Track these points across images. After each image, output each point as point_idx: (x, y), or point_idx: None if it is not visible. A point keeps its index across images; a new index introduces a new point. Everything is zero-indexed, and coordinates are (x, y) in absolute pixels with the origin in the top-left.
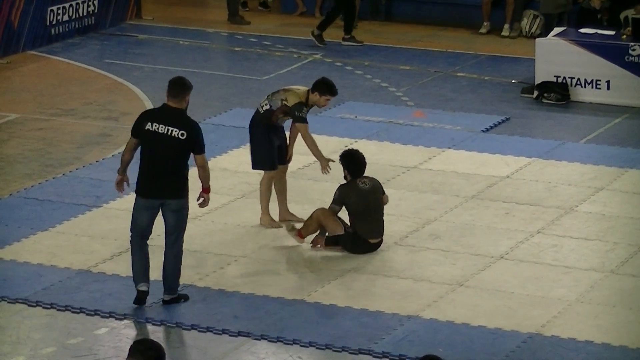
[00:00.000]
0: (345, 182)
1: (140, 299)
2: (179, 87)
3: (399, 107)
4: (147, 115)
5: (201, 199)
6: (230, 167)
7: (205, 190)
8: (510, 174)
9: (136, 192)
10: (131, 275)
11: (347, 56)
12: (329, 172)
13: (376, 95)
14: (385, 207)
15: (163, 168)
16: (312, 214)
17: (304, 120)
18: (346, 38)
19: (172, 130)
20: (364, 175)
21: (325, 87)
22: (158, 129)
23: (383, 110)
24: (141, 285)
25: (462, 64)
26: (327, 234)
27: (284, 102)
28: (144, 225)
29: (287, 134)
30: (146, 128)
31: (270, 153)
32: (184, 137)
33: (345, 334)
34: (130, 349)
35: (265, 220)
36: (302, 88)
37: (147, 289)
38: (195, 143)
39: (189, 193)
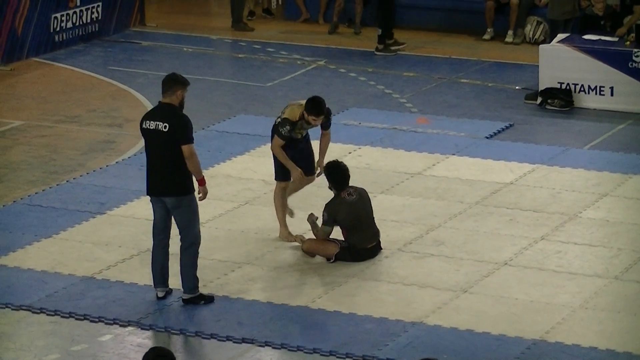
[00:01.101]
0: (330, 199)
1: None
2: (168, 82)
3: (403, 113)
4: (145, 115)
5: (200, 194)
6: (234, 173)
7: (199, 182)
8: (514, 180)
9: None
10: (135, 282)
11: (351, 63)
12: (316, 174)
13: (380, 102)
14: (389, 213)
15: (157, 164)
16: (302, 249)
17: (279, 134)
18: (380, 48)
19: (158, 125)
20: (349, 185)
21: (309, 106)
22: (149, 125)
23: (387, 116)
24: (158, 289)
25: (466, 71)
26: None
27: (281, 116)
28: (156, 222)
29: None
30: (143, 126)
31: (278, 166)
32: (167, 129)
33: (350, 341)
34: (144, 358)
35: (284, 234)
36: (303, 103)
37: (163, 294)
38: (177, 133)
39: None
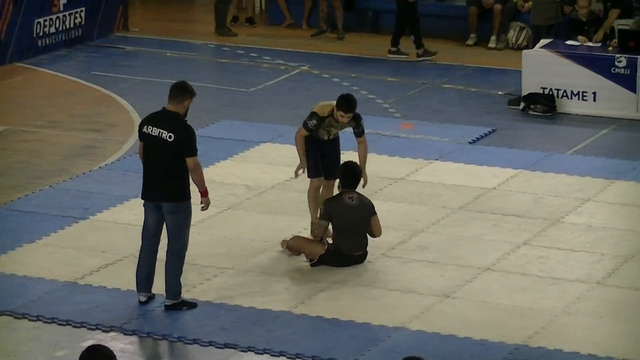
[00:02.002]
0: (332, 196)
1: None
2: (178, 90)
3: (387, 118)
4: (146, 119)
5: (202, 204)
6: (218, 178)
7: (202, 193)
8: (498, 186)
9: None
10: (118, 287)
11: (335, 68)
12: (298, 174)
13: (364, 107)
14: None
15: (157, 171)
16: (287, 244)
17: (305, 125)
18: (392, 50)
19: (162, 133)
20: (356, 191)
21: (339, 102)
22: (152, 131)
23: (370, 122)
24: (140, 294)
25: (450, 76)
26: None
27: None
28: (148, 227)
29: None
30: (143, 131)
31: (310, 162)
32: (172, 139)
33: (333, 346)
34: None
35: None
36: (334, 103)
37: (145, 300)
38: (183, 145)
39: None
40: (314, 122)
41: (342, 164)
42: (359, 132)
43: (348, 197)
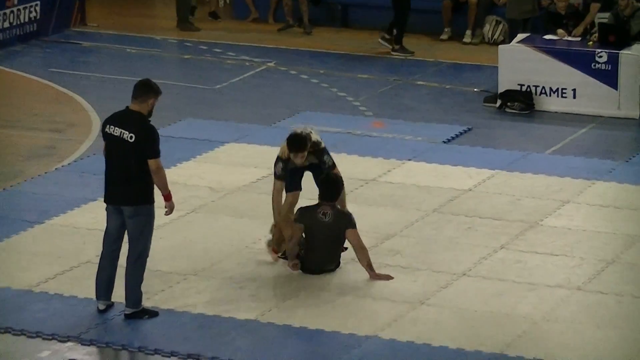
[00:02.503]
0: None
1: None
2: (142, 88)
3: (357, 117)
4: (109, 118)
5: (166, 208)
6: (180, 180)
7: (166, 197)
8: (473, 187)
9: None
10: (75, 295)
11: (302, 64)
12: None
13: (333, 105)
14: None
15: (118, 172)
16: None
17: (275, 175)
18: (396, 49)
19: (123, 133)
20: (334, 205)
21: (287, 142)
22: (113, 131)
23: (340, 120)
24: (99, 302)
25: (423, 72)
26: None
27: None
28: (109, 231)
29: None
30: (106, 130)
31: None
32: (133, 140)
33: (301, 355)
34: None
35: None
36: None
37: (104, 308)
38: (145, 147)
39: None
40: (280, 166)
41: (324, 175)
42: (327, 169)
43: (322, 212)
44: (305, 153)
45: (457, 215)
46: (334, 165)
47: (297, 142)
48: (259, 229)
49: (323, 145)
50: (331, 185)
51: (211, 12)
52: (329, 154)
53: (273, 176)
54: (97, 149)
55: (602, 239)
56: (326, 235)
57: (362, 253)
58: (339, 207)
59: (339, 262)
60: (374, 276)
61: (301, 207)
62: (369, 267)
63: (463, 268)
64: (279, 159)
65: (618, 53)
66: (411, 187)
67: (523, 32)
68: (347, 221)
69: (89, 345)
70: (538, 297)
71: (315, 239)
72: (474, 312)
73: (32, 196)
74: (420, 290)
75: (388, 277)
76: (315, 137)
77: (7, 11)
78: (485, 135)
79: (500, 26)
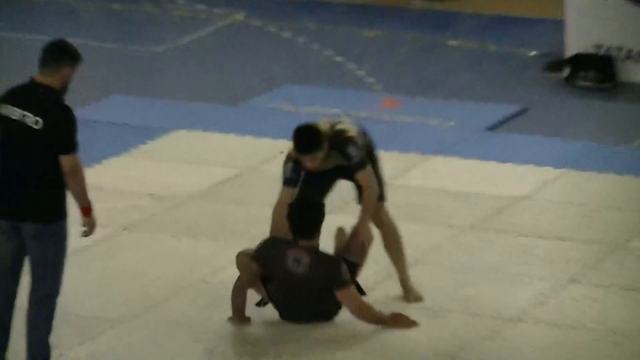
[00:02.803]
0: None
1: None
2: (53, 53)
3: (361, 92)
4: (5, 95)
5: (84, 226)
6: (107, 184)
7: (84, 211)
8: (530, 193)
9: None
10: None
11: (283, 17)
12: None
13: (327, 76)
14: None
15: (14, 173)
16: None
17: (282, 180)
18: None
19: (26, 116)
20: (311, 246)
21: (293, 140)
22: (11, 113)
23: (337, 97)
24: None
25: (455, 28)
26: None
27: None
28: (2, 260)
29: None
30: (1, 112)
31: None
32: (39, 125)
33: None
34: None
35: None
36: None
37: None
38: (57, 136)
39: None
40: (290, 167)
41: (298, 198)
42: (354, 166)
43: (293, 258)
44: (319, 155)
45: (505, 234)
46: (363, 163)
47: (303, 139)
48: (222, 254)
49: (351, 133)
50: (305, 214)
51: None
52: (357, 146)
53: (281, 184)
54: None
55: None
56: (301, 290)
57: (365, 319)
58: (321, 251)
59: (337, 311)
60: (392, 323)
61: (266, 240)
62: (379, 322)
63: (515, 310)
64: (288, 157)
65: None
66: (438, 193)
67: None
68: (333, 276)
69: None
70: (622, 349)
71: (287, 293)
72: None
73: None
74: (453, 342)
75: (411, 323)
76: (342, 126)
77: None
78: (547, 120)
79: None
